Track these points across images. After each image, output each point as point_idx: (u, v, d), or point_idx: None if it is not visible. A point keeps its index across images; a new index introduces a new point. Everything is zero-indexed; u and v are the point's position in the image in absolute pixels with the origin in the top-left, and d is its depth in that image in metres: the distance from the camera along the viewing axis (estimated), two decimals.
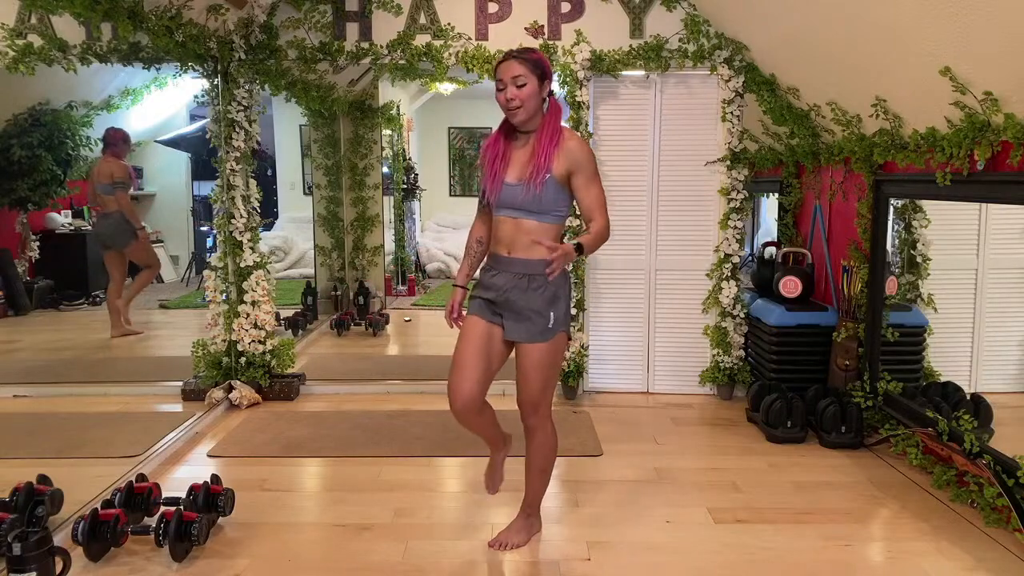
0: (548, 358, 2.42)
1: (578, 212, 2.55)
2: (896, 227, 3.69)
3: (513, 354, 2.50)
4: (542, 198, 2.33)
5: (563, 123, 2.42)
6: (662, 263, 4.39)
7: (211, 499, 2.71)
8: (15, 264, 6.17)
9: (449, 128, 10.78)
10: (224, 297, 4.23)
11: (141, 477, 2.82)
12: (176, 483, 3.05)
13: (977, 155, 2.73)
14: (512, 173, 2.39)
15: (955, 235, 3.70)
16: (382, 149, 6.97)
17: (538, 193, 2.31)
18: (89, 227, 6.86)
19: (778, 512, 2.89)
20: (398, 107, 7.44)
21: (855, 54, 3.22)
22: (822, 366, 4.03)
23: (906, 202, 3.65)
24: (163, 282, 8.28)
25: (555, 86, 4.27)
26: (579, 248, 2.27)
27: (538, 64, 2.34)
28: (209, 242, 7.85)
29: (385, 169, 7.01)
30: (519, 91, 2.32)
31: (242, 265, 4.22)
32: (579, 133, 4.17)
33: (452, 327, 2.57)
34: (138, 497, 2.69)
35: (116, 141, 5.52)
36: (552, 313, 2.38)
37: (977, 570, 2.46)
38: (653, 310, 4.42)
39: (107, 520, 2.45)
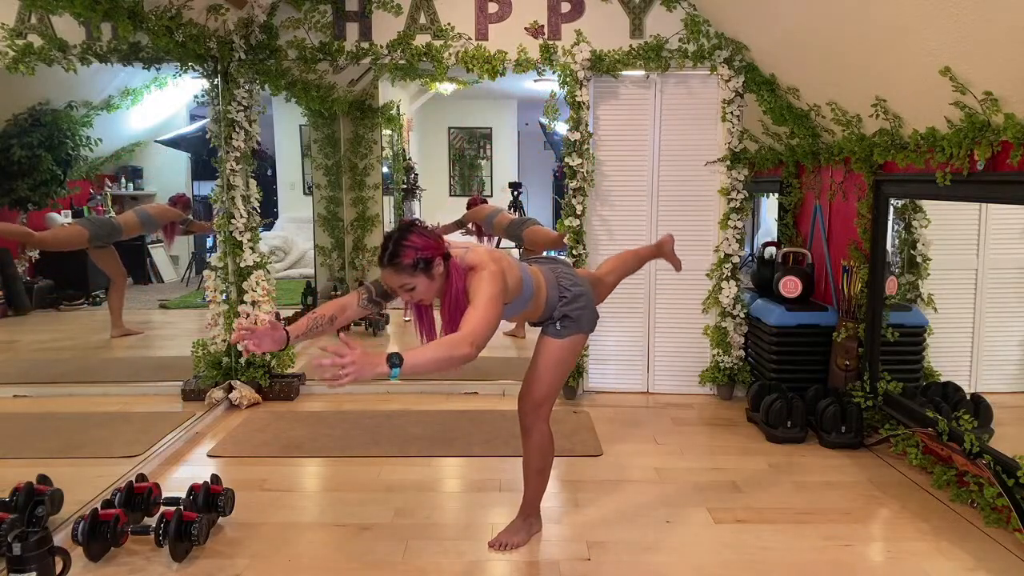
0: (560, 357, 2.50)
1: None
2: (896, 227, 3.69)
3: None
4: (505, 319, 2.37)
5: (466, 263, 2.23)
6: (662, 263, 4.37)
7: (211, 499, 2.71)
8: (15, 264, 6.17)
9: (449, 128, 10.78)
10: (224, 297, 4.23)
11: (141, 477, 2.82)
12: (176, 483, 3.05)
13: (977, 155, 2.73)
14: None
15: (955, 235, 3.69)
16: (382, 149, 6.97)
17: None
18: None
19: (778, 512, 2.89)
20: (398, 107, 7.44)
21: (855, 54, 3.22)
22: (822, 366, 4.03)
23: (906, 202, 3.65)
24: (163, 282, 8.28)
25: (555, 86, 4.32)
26: (393, 360, 1.88)
27: (416, 263, 2.13)
28: (209, 242, 7.85)
29: (385, 169, 7.00)
30: (411, 294, 2.19)
31: (242, 265, 4.22)
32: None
33: (234, 341, 2.54)
34: (138, 497, 2.69)
35: (176, 202, 5.94)
36: (560, 324, 2.49)
37: (977, 570, 2.46)
38: (653, 310, 4.42)
39: (107, 520, 2.45)
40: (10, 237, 5.75)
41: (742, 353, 4.35)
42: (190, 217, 5.97)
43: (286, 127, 8.77)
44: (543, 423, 2.54)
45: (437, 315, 2.32)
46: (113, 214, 6.15)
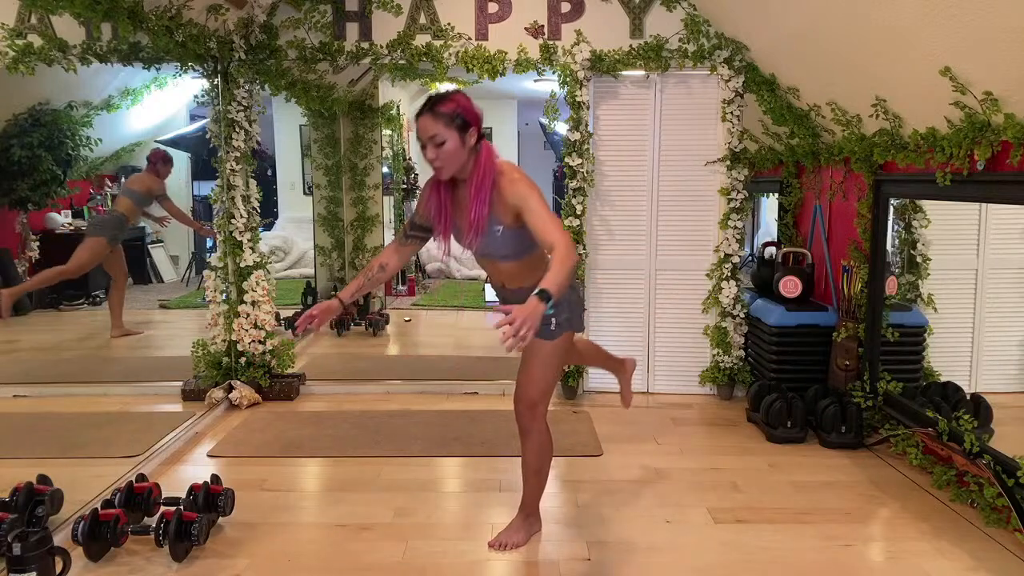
0: (551, 357, 2.46)
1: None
2: (896, 227, 3.69)
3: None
4: (503, 249, 2.33)
5: (497, 160, 2.31)
6: (662, 263, 4.39)
7: (211, 499, 2.71)
8: (15, 264, 6.18)
9: None
10: (224, 297, 4.23)
11: (141, 477, 2.82)
12: (176, 483, 3.05)
13: (977, 155, 2.73)
14: (458, 226, 2.36)
15: (955, 235, 3.70)
16: (382, 149, 6.97)
17: (495, 248, 2.33)
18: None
19: (778, 512, 2.89)
20: (398, 107, 7.44)
21: (855, 54, 3.22)
22: (822, 366, 4.03)
23: (906, 202, 3.65)
24: (163, 282, 8.29)
25: (555, 86, 4.32)
26: (544, 296, 1.92)
27: (455, 116, 2.19)
28: (209, 242, 7.86)
29: (385, 169, 7.01)
30: (439, 150, 2.20)
31: (242, 265, 4.22)
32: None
33: (298, 332, 2.61)
34: (138, 497, 2.69)
35: (156, 160, 5.73)
36: (553, 319, 2.42)
37: (977, 570, 2.46)
38: (653, 310, 4.42)
39: (107, 520, 2.45)
40: (50, 282, 5.74)
41: (742, 353, 4.35)
42: (166, 192, 5.79)
43: (286, 127, 8.78)
44: (540, 423, 2.53)
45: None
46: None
